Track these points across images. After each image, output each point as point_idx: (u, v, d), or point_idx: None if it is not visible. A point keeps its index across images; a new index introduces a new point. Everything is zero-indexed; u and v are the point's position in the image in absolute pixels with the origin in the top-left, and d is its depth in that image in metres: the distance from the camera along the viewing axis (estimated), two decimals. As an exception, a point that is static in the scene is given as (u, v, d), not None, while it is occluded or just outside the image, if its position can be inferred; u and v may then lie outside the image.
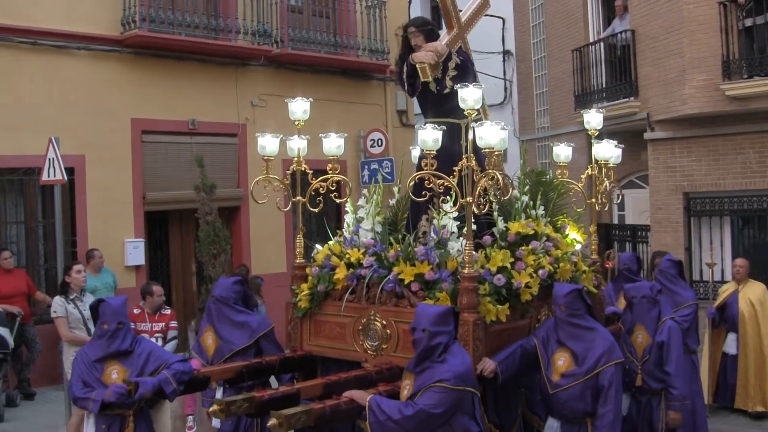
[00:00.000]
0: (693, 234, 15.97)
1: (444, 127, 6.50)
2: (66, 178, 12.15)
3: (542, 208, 7.59)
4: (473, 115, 6.29)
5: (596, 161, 8.17)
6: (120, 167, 14.46)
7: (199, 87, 15.45)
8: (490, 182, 6.25)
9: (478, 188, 6.25)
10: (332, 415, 5.54)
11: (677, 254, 13.75)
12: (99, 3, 14.27)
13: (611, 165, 8.26)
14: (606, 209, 8.37)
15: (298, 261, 7.45)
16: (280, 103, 15.08)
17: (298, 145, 7.35)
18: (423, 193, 6.44)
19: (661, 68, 15.63)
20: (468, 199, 6.24)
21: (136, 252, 14.57)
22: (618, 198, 8.60)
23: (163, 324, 10.65)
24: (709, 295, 12.67)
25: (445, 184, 6.29)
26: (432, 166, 6.28)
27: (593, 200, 8.13)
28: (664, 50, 15.51)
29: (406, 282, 6.58)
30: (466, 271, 6.27)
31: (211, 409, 5.66)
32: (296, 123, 7.27)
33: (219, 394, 7.07)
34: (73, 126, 13.66)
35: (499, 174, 6.25)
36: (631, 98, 16.43)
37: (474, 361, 6.15)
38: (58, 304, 10.58)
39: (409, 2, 19.51)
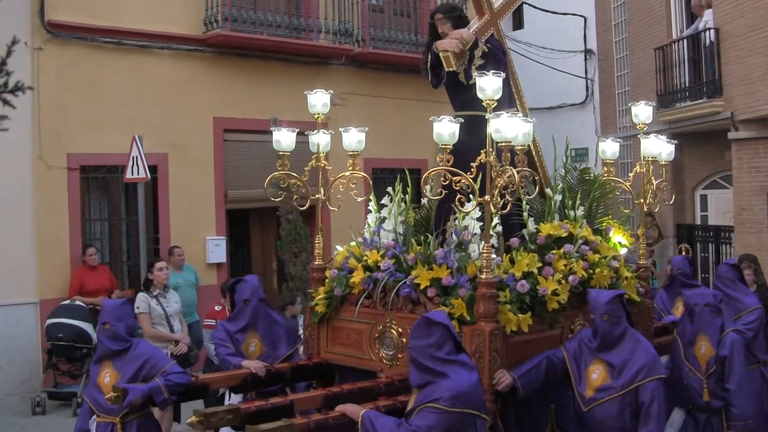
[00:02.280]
0: (778, 236, 14.67)
1: (461, 120, 5.58)
2: (149, 176, 11.91)
3: (581, 208, 6.62)
4: (493, 105, 5.39)
5: (644, 158, 7.10)
6: (202, 165, 14.01)
7: (280, 86, 14.80)
8: (507, 179, 5.34)
9: (498, 186, 5.36)
10: (317, 431, 4.72)
11: (761, 256, 12.51)
12: (182, 3, 13.83)
13: (663, 162, 7.20)
14: (657, 209, 7.33)
15: (316, 263, 6.68)
16: (361, 102, 14.37)
17: (319, 140, 6.58)
18: (440, 191, 5.60)
19: (745, 67, 14.39)
20: (486, 197, 5.37)
21: (217, 249, 14.11)
22: (671, 199, 7.52)
23: None
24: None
25: (464, 181, 5.42)
26: (448, 161, 5.43)
27: (641, 200, 7.07)
28: (748, 48, 14.26)
29: (422, 287, 5.74)
30: (483, 276, 5.40)
31: (189, 420, 4.87)
32: (315, 116, 6.52)
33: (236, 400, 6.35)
34: (157, 125, 13.26)
35: (516, 171, 5.31)
36: (715, 97, 15.19)
37: (490, 374, 5.32)
38: (141, 300, 10.16)
39: (492, 1, 18.61)
